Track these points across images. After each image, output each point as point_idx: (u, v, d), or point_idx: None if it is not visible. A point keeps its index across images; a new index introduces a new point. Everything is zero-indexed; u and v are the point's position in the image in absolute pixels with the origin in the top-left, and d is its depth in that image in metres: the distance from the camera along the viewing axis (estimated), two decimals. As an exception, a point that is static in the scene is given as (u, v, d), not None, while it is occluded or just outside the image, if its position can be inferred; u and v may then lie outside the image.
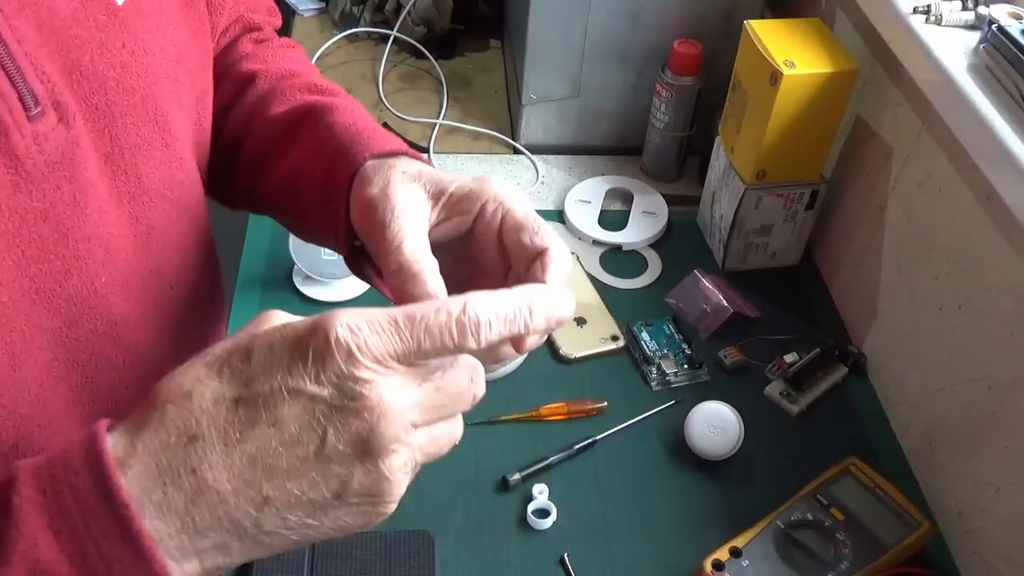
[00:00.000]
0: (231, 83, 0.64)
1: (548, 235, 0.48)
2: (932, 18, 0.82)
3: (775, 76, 0.92)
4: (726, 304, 0.99)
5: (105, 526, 0.34)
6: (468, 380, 0.40)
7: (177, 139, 0.53)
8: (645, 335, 0.98)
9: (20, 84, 0.41)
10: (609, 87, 1.18)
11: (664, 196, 1.15)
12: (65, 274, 0.46)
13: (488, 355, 0.44)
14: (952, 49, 0.79)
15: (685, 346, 0.97)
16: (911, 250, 0.91)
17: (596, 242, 1.10)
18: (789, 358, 0.96)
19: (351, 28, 1.38)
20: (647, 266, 1.08)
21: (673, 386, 0.94)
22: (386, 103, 1.28)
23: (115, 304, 0.50)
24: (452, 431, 0.41)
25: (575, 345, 0.96)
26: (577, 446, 0.87)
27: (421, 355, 0.37)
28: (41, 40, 0.42)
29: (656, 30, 1.12)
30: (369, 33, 1.39)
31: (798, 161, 0.99)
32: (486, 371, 0.42)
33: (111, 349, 0.51)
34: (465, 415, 0.42)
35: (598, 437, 0.88)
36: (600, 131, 1.23)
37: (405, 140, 1.24)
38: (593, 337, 0.98)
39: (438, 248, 0.49)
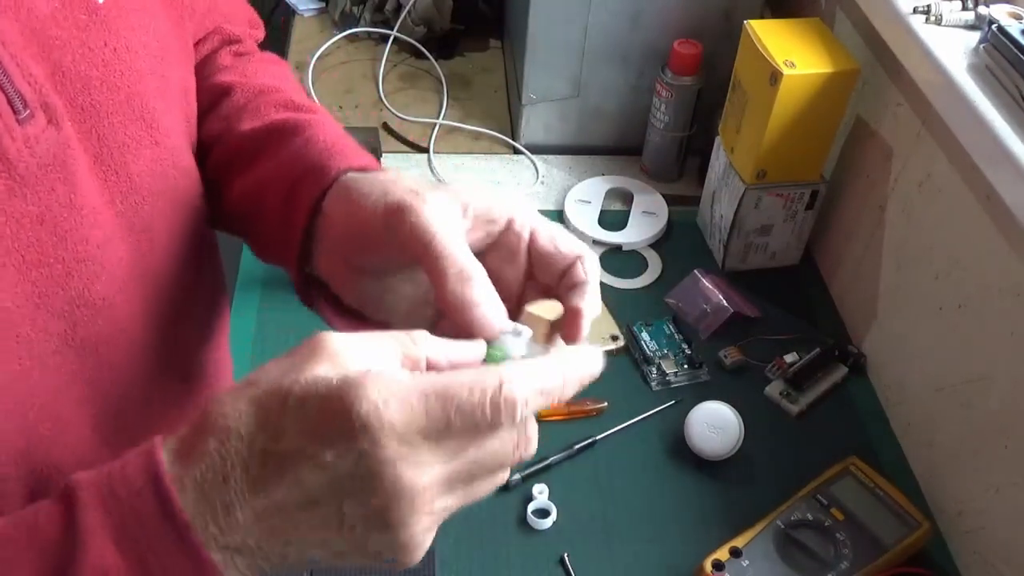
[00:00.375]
0: (206, 94, 0.62)
1: (583, 245, 0.48)
2: (932, 18, 0.82)
3: (775, 76, 0.92)
4: (726, 304, 0.99)
5: (168, 544, 0.36)
6: (512, 447, 0.40)
7: (166, 136, 0.52)
8: (645, 335, 0.98)
9: (8, 87, 0.41)
10: (609, 87, 1.18)
11: (664, 196, 1.15)
12: (66, 277, 0.46)
13: None
14: (952, 49, 0.79)
15: (685, 346, 0.97)
16: (911, 250, 0.91)
17: (596, 242, 1.10)
18: (789, 358, 0.96)
19: (351, 28, 1.38)
20: (647, 266, 1.08)
21: (673, 386, 0.94)
22: (386, 103, 1.28)
23: (116, 305, 0.50)
24: (487, 488, 0.41)
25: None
26: (577, 446, 0.87)
27: (452, 434, 0.37)
28: (24, 42, 0.42)
29: (656, 30, 1.12)
30: (369, 33, 1.39)
31: (798, 161, 0.99)
32: None
33: (115, 350, 0.51)
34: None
35: (598, 437, 0.88)
36: (600, 131, 1.23)
37: (405, 141, 1.24)
38: (593, 337, 0.97)
39: None
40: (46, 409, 0.46)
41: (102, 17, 0.46)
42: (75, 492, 0.36)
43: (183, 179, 0.55)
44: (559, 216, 1.13)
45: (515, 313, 0.47)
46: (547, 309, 0.46)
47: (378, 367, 0.38)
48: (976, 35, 0.80)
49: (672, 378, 0.95)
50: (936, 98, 0.79)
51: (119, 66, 0.47)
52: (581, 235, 1.10)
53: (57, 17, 0.44)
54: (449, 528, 0.80)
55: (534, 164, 1.22)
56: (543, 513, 0.82)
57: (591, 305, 0.46)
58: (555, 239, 0.48)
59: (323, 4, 1.45)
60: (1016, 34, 0.74)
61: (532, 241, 0.48)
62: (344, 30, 1.38)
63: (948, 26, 0.81)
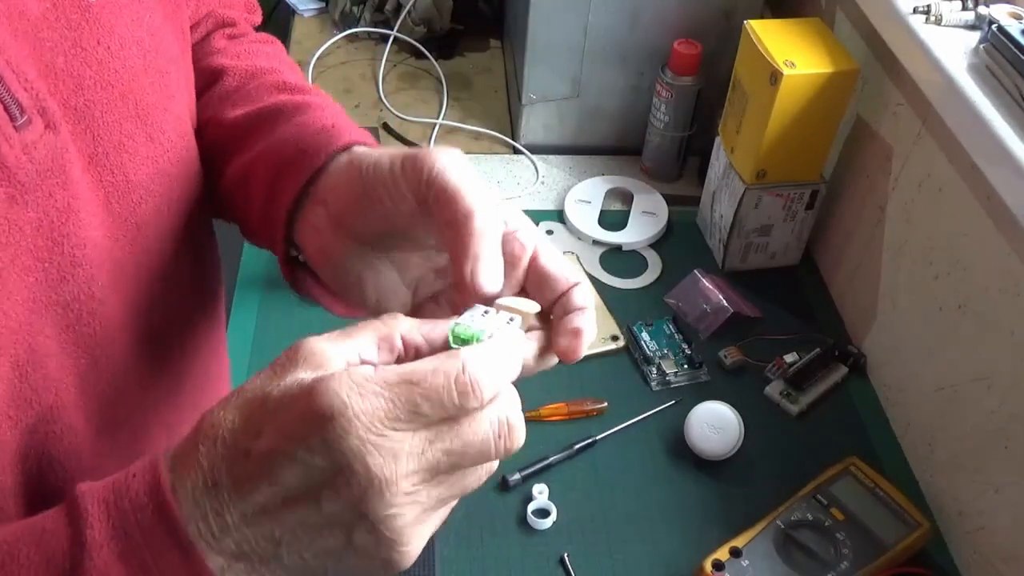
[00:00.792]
0: (199, 77, 0.61)
1: (579, 271, 0.49)
2: (932, 18, 0.82)
3: (775, 76, 0.92)
4: (726, 304, 0.99)
5: (172, 560, 0.36)
6: (492, 435, 0.39)
7: (163, 132, 0.52)
8: (645, 335, 0.98)
9: (4, 94, 0.40)
10: (609, 87, 1.18)
11: (664, 196, 1.15)
12: (60, 281, 0.45)
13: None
14: (952, 49, 0.79)
15: (685, 346, 0.97)
16: (911, 250, 0.91)
17: (596, 242, 1.10)
18: (789, 358, 0.96)
19: (351, 28, 1.38)
20: (647, 266, 1.08)
21: (673, 386, 0.94)
22: (386, 103, 1.28)
23: (112, 306, 0.50)
24: (475, 480, 0.40)
25: (575, 345, 0.96)
26: (577, 446, 0.87)
27: (423, 421, 0.37)
28: (17, 46, 0.41)
29: (656, 30, 1.12)
30: (369, 33, 1.39)
31: (798, 161, 0.99)
32: None
33: (112, 350, 0.51)
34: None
35: (598, 437, 0.88)
36: (600, 131, 1.23)
37: (405, 141, 1.24)
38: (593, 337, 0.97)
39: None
40: (43, 410, 0.46)
41: (95, 15, 0.46)
42: (81, 506, 0.37)
43: (181, 177, 0.55)
44: (559, 216, 1.13)
45: None
46: (521, 304, 0.45)
47: (355, 359, 0.39)
48: (976, 35, 0.80)
49: (672, 378, 0.95)
50: (936, 98, 0.79)
51: (113, 64, 0.47)
52: (581, 235, 1.10)
53: (48, 18, 0.43)
54: (449, 528, 0.81)
55: (534, 164, 1.22)
56: (543, 513, 0.82)
57: (589, 327, 0.46)
58: (558, 262, 0.48)
59: (323, 4, 1.45)
60: (1016, 34, 0.74)
61: (535, 258, 0.47)
62: (344, 30, 1.38)
63: (948, 26, 0.81)
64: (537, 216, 1.13)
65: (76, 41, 0.45)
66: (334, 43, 1.37)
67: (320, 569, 0.38)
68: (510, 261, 0.47)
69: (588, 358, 0.94)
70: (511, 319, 0.43)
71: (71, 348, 0.47)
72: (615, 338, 0.98)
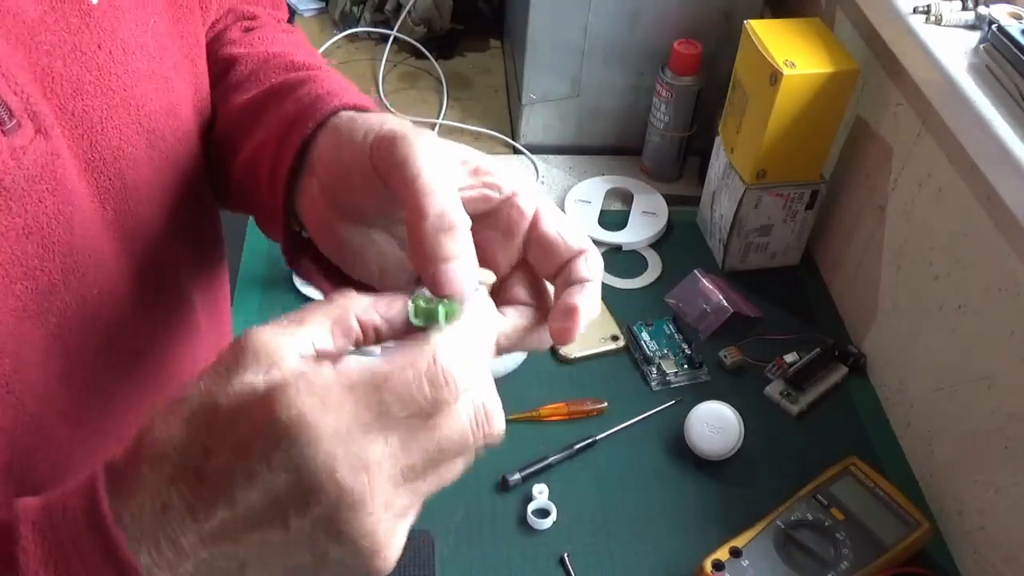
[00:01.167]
0: (212, 69, 0.59)
1: (587, 237, 0.44)
2: (932, 18, 0.82)
3: (775, 76, 0.92)
4: (726, 304, 0.99)
5: None
6: (470, 424, 0.36)
7: (164, 139, 0.51)
8: (645, 335, 0.98)
9: None
10: (609, 87, 1.18)
11: (664, 196, 1.15)
12: (53, 288, 0.45)
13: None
14: (952, 49, 0.79)
15: (685, 346, 0.97)
16: (911, 250, 0.91)
17: (596, 242, 1.08)
18: (789, 358, 0.96)
19: (351, 28, 1.38)
20: (647, 266, 1.08)
21: (673, 386, 0.94)
22: (386, 103, 1.28)
23: (110, 315, 0.49)
24: (454, 472, 0.37)
25: (575, 345, 0.96)
26: (577, 446, 0.87)
27: (395, 424, 0.34)
28: (10, 50, 0.41)
29: (656, 30, 1.12)
30: (369, 33, 1.39)
31: (798, 161, 0.99)
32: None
33: (108, 360, 0.50)
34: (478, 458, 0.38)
35: (598, 437, 0.88)
36: (600, 131, 1.23)
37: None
38: (593, 337, 0.98)
39: None
40: (35, 422, 0.45)
41: (96, 19, 0.45)
42: (16, 530, 0.34)
43: (182, 182, 0.54)
44: (559, 216, 1.13)
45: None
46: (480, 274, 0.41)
47: (308, 349, 0.36)
48: (976, 35, 0.80)
49: (672, 378, 0.95)
50: (936, 98, 0.79)
51: (114, 69, 0.46)
52: (581, 235, 1.10)
53: (47, 21, 0.42)
54: (449, 528, 0.81)
55: (534, 164, 1.22)
56: (543, 513, 0.82)
57: (589, 305, 0.42)
58: (561, 227, 0.43)
59: (323, 4, 1.45)
60: (1016, 34, 0.74)
61: (535, 225, 0.43)
62: (344, 30, 1.38)
63: (948, 26, 0.81)
64: (537, 216, 1.13)
65: (76, 45, 0.44)
66: (334, 43, 1.37)
67: None
68: (507, 231, 0.43)
69: (588, 358, 0.95)
70: (477, 287, 0.39)
71: (58, 358, 0.46)
72: (615, 338, 0.98)
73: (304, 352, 0.36)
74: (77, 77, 0.44)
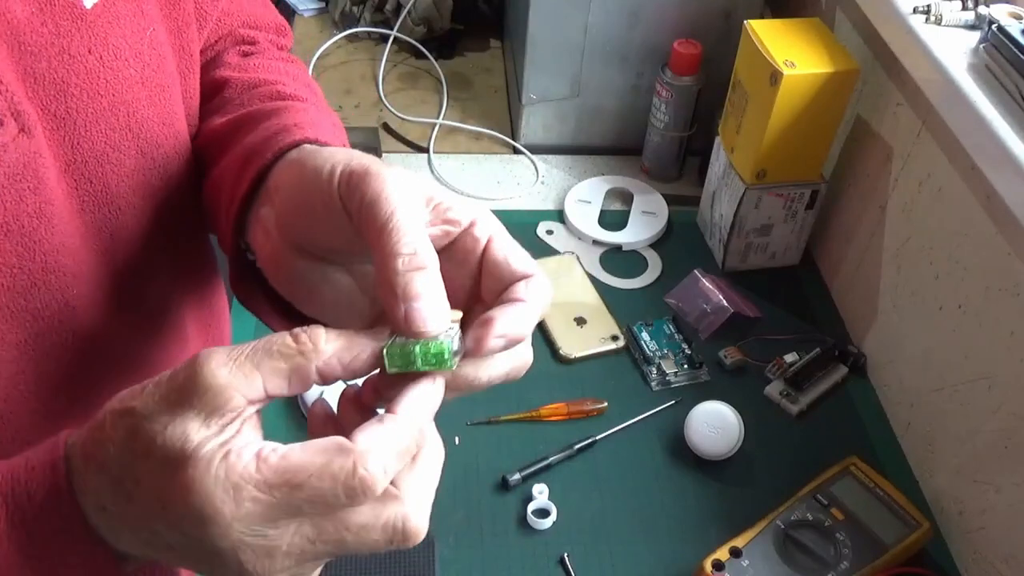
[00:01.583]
0: (203, 90, 0.59)
1: (537, 266, 0.43)
2: (932, 18, 0.82)
3: (775, 76, 0.92)
4: (726, 304, 0.99)
5: (75, 547, 0.37)
6: (380, 539, 0.36)
7: (158, 148, 0.51)
8: (645, 335, 0.98)
9: None
10: (609, 87, 1.18)
11: (664, 196, 1.15)
12: (32, 287, 0.45)
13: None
14: (952, 49, 0.79)
15: (685, 346, 0.97)
16: (911, 250, 0.91)
17: (596, 242, 1.10)
18: (789, 358, 0.96)
19: (351, 28, 1.38)
20: (647, 266, 1.08)
21: (673, 386, 0.94)
22: (386, 103, 1.28)
23: (87, 317, 0.49)
24: (364, 552, 0.37)
25: (575, 345, 0.96)
26: (577, 446, 0.87)
27: (302, 516, 0.35)
28: None
29: (656, 30, 1.12)
30: (369, 33, 1.39)
31: (798, 161, 0.99)
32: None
33: (86, 362, 0.50)
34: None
35: (598, 437, 0.88)
36: (600, 131, 1.23)
37: (405, 141, 1.24)
38: (593, 337, 0.98)
39: None
40: (4, 417, 0.45)
41: (88, 23, 0.45)
42: None
43: (170, 188, 0.53)
44: (559, 216, 1.13)
45: None
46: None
47: (258, 395, 0.36)
48: (976, 35, 0.80)
49: (672, 378, 0.95)
50: (936, 98, 0.79)
51: (104, 73, 0.46)
52: (581, 235, 1.10)
53: (34, 23, 0.42)
54: (449, 528, 0.81)
55: (534, 164, 1.22)
56: (543, 513, 0.82)
57: (512, 323, 0.39)
58: (509, 252, 0.42)
59: (323, 4, 1.45)
60: (1016, 34, 0.74)
61: (485, 250, 0.43)
62: (344, 30, 1.38)
63: (948, 26, 0.81)
64: (537, 216, 1.13)
65: (64, 48, 0.44)
66: (334, 43, 1.37)
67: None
68: (462, 261, 0.43)
69: (588, 358, 0.96)
70: (451, 326, 0.39)
71: (37, 356, 0.46)
72: (615, 338, 0.98)
73: (254, 397, 0.36)
74: (62, 79, 0.44)
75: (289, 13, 1.45)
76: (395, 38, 1.35)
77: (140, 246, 0.52)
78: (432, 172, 1.19)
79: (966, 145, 0.76)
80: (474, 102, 1.31)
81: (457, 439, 0.87)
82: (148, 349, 0.56)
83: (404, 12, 1.33)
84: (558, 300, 1.01)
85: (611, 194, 1.16)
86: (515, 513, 0.83)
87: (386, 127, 1.25)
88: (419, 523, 0.37)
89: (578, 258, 1.07)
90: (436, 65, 1.34)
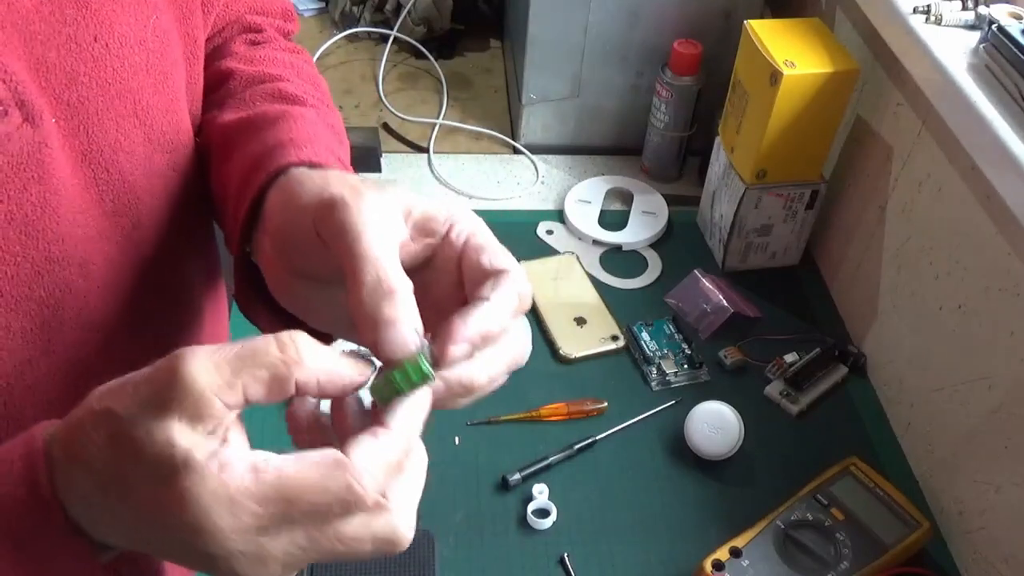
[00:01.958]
0: (208, 79, 0.59)
1: (511, 261, 0.42)
2: (932, 18, 0.82)
3: (775, 76, 0.92)
4: (726, 304, 0.99)
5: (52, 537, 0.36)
6: (369, 547, 0.36)
7: (163, 133, 0.51)
8: (645, 335, 0.98)
9: None
10: (609, 87, 1.18)
11: (664, 196, 1.15)
12: (36, 277, 0.45)
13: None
14: (952, 49, 0.79)
15: (685, 346, 0.97)
16: (911, 250, 0.91)
17: (596, 242, 1.10)
18: (789, 358, 0.96)
19: (351, 28, 1.38)
20: (647, 266, 1.08)
21: (673, 386, 0.94)
22: (386, 103, 1.28)
23: (97, 306, 0.49)
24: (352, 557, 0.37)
25: (575, 345, 0.96)
26: (577, 446, 0.87)
27: (294, 524, 0.35)
28: (4, 38, 0.41)
29: (656, 30, 1.12)
30: (369, 33, 1.39)
31: (798, 161, 0.99)
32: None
33: (93, 351, 0.50)
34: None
35: (598, 437, 0.88)
36: (600, 131, 1.23)
37: (405, 141, 1.24)
38: (593, 337, 0.98)
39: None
40: (12, 408, 0.46)
41: (93, 11, 0.45)
42: None
43: (181, 178, 0.54)
44: (559, 216, 1.13)
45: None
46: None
47: (238, 401, 0.35)
48: (976, 35, 0.80)
49: (672, 378, 0.95)
50: (936, 98, 0.79)
51: (110, 61, 0.46)
52: (581, 235, 1.10)
53: (42, 11, 0.43)
54: (449, 528, 0.81)
55: (534, 164, 1.22)
56: (543, 513, 0.82)
57: (475, 326, 0.39)
58: (483, 250, 0.42)
59: (323, 4, 1.45)
60: (1016, 34, 0.74)
61: (462, 251, 0.42)
62: (344, 30, 1.38)
63: (948, 26, 0.81)
64: (537, 216, 1.13)
65: (71, 36, 0.44)
66: (334, 43, 1.37)
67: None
68: (444, 266, 0.43)
69: (588, 358, 0.96)
70: (420, 345, 0.39)
71: (39, 348, 0.46)
72: (615, 338, 0.98)
73: (234, 403, 0.35)
74: (72, 68, 0.44)
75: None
76: (395, 38, 1.35)
77: (157, 233, 0.53)
78: (432, 172, 1.19)
79: (966, 145, 0.76)
80: (474, 102, 1.31)
81: (457, 439, 0.87)
82: (164, 334, 0.56)
83: (404, 12, 1.33)
84: (558, 300, 1.01)
85: (611, 194, 1.16)
86: (515, 513, 0.83)
87: (386, 127, 1.25)
88: (407, 532, 0.37)
89: (578, 258, 1.07)
90: (436, 65, 1.34)
